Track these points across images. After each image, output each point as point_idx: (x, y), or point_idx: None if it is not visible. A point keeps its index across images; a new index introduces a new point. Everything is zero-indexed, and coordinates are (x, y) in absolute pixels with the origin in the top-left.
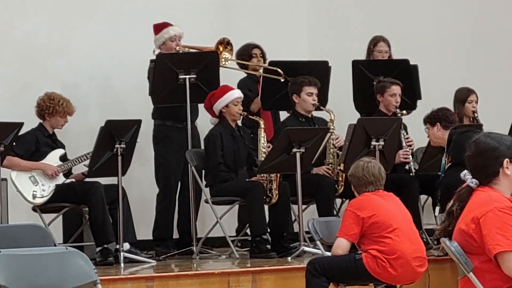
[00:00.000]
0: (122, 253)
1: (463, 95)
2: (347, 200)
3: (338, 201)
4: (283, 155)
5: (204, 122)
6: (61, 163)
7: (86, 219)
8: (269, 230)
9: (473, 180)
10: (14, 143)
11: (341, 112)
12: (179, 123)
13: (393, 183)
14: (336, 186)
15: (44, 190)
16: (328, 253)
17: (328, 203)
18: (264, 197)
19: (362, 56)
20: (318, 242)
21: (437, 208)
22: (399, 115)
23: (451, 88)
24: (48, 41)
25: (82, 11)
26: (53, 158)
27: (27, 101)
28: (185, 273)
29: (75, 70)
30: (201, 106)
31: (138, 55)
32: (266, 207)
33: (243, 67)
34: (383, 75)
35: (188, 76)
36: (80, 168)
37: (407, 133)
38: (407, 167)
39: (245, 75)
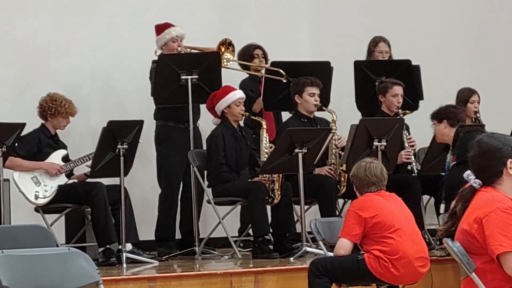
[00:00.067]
0: (124, 254)
1: (465, 96)
2: (349, 201)
3: (340, 201)
4: (285, 155)
5: (206, 123)
6: (63, 163)
7: (89, 220)
8: (271, 231)
9: (476, 180)
10: (16, 144)
11: (343, 112)
12: (181, 124)
13: (395, 183)
14: (338, 186)
15: (46, 190)
16: (331, 254)
17: (330, 204)
18: (266, 198)
19: (363, 56)
20: (320, 243)
21: (442, 206)
22: (401, 115)
23: (453, 89)
24: (49, 42)
25: (83, 12)
26: (55, 159)
27: (29, 102)
28: (188, 274)
29: (77, 71)
30: (203, 107)
31: (140, 56)
32: (268, 207)
33: (245, 67)
34: (385, 76)
35: (190, 77)
36: (82, 169)
37: (409, 134)
38: (409, 167)
39: (247, 75)
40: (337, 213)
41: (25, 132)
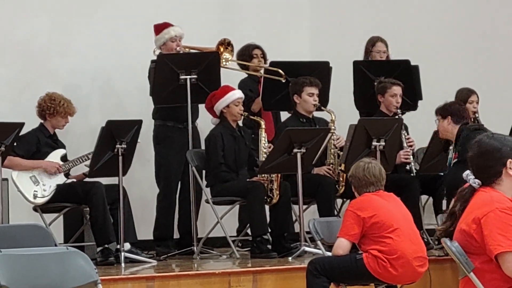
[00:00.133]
0: (122, 253)
1: (464, 96)
2: (348, 200)
3: (339, 201)
4: (284, 155)
5: (205, 123)
6: (62, 163)
7: (87, 219)
8: (269, 230)
9: (476, 180)
10: (15, 143)
11: (342, 112)
12: (180, 124)
13: (394, 183)
14: (336, 186)
15: (45, 190)
16: (329, 253)
17: (328, 203)
18: (265, 197)
19: (362, 57)
20: (318, 242)
21: (444, 202)
22: (400, 115)
23: (452, 89)
24: (49, 42)
25: (83, 12)
26: (54, 159)
27: (28, 102)
28: (186, 273)
29: (76, 71)
30: (201, 107)
31: (139, 56)
32: (266, 207)
33: (244, 67)
34: (384, 76)
35: (189, 77)
36: (81, 168)
37: (408, 134)
38: (408, 167)
39: (246, 75)
40: (336, 213)
41: (24, 131)
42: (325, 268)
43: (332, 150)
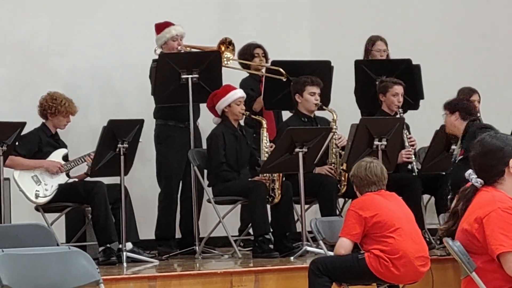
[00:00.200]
0: (124, 253)
1: (465, 95)
2: (350, 200)
3: (340, 200)
4: (285, 154)
5: (206, 122)
6: (64, 162)
7: (89, 219)
8: (271, 230)
9: (478, 179)
10: (16, 143)
11: (343, 112)
12: (181, 123)
13: (396, 182)
14: (338, 185)
15: (46, 189)
16: (331, 253)
17: (330, 203)
18: (267, 197)
19: (362, 56)
20: (320, 242)
21: (449, 197)
22: (402, 114)
23: (453, 88)
24: (49, 41)
25: (83, 11)
26: (55, 158)
27: (28, 102)
28: (188, 273)
29: (76, 70)
30: (202, 106)
31: (140, 55)
32: (268, 206)
33: (245, 66)
34: (386, 75)
35: (190, 76)
36: (83, 168)
37: (409, 133)
38: (409, 166)
39: (247, 74)
40: (338, 212)
41: (25, 131)
42: (327, 268)
43: (333, 150)
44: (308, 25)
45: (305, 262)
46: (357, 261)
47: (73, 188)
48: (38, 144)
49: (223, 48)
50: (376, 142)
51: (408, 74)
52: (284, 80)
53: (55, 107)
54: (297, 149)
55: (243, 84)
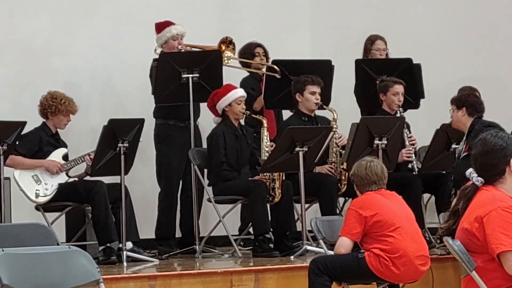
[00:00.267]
0: (125, 252)
1: None
2: (350, 199)
3: (341, 200)
4: (286, 154)
5: (206, 121)
6: (64, 162)
7: (89, 218)
8: (272, 229)
9: (479, 178)
10: (17, 142)
11: (344, 111)
12: (181, 122)
13: (396, 182)
14: (339, 185)
15: (47, 189)
16: (331, 252)
17: (331, 202)
18: (267, 196)
19: (361, 55)
20: (321, 241)
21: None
22: (402, 113)
23: (454, 87)
24: (49, 41)
25: (84, 11)
26: (56, 157)
27: (29, 101)
28: (188, 272)
29: (77, 70)
30: (202, 105)
31: (140, 54)
32: (268, 206)
33: (245, 65)
34: (386, 74)
35: (191, 75)
36: (83, 167)
37: (410, 132)
38: (410, 166)
39: (248, 74)
40: (338, 211)
41: (26, 130)
42: (327, 267)
43: (334, 149)
44: (308, 25)
45: (305, 261)
46: (357, 260)
47: (73, 188)
48: (39, 144)
49: (223, 47)
50: (376, 141)
51: (408, 73)
52: (279, 77)
53: (55, 106)
54: (297, 148)
55: (244, 83)
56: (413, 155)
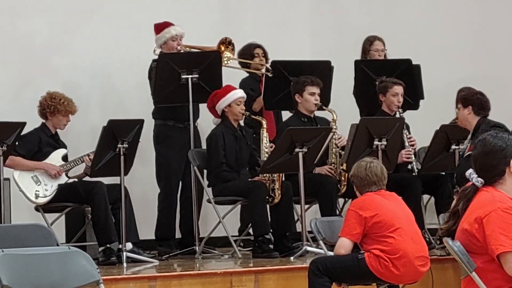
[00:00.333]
0: (124, 253)
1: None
2: (350, 200)
3: (340, 200)
4: (285, 155)
5: (206, 122)
6: (63, 163)
7: (89, 219)
8: (271, 230)
9: (479, 179)
10: (16, 143)
11: (343, 112)
12: (180, 123)
13: (396, 182)
14: (338, 186)
15: (46, 189)
16: (331, 253)
17: (330, 203)
18: (267, 197)
19: (360, 56)
20: (320, 242)
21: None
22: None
23: (453, 88)
24: (49, 40)
25: (83, 10)
26: (55, 158)
27: (28, 101)
28: (188, 273)
29: (76, 69)
30: (202, 106)
31: (139, 55)
32: (268, 207)
33: (245, 66)
34: (386, 75)
35: (190, 76)
36: (82, 168)
37: (409, 133)
38: (409, 166)
39: (247, 74)
40: (338, 212)
41: (25, 131)
42: (327, 268)
43: (333, 150)
44: (308, 25)
45: (305, 262)
46: (357, 261)
47: (73, 188)
48: (38, 144)
49: (223, 48)
50: (376, 142)
51: (408, 74)
52: (270, 75)
53: (54, 106)
54: (297, 149)
55: (243, 84)
56: (413, 156)
